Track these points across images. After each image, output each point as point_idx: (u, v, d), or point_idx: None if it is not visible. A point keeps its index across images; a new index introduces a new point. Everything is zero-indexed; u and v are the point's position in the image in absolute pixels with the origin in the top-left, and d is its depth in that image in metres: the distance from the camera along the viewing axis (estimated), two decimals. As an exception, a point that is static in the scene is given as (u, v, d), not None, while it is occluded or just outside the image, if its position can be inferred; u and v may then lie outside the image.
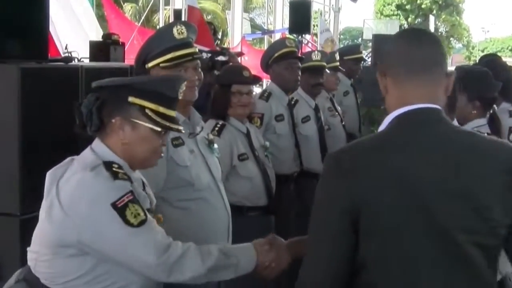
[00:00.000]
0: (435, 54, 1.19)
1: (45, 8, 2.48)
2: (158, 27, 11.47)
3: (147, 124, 1.42)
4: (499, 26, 66.65)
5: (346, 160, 1.14)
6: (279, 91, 3.07)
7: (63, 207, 1.34)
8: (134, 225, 1.34)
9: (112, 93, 1.42)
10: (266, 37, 14.57)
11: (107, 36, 3.19)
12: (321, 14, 14.23)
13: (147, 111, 1.41)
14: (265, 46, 14.11)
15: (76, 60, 2.75)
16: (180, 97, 1.50)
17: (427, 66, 1.18)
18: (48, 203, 1.38)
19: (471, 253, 1.10)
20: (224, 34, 14.71)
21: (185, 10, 6.11)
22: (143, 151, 1.44)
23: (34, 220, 2.19)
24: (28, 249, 1.44)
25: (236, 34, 12.31)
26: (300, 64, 3.10)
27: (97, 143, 1.45)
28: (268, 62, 3.09)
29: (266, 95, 3.04)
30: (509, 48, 32.51)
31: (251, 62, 9.02)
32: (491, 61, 3.03)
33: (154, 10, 12.76)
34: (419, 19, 28.49)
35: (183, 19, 5.84)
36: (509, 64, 3.41)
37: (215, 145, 2.08)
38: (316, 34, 13.79)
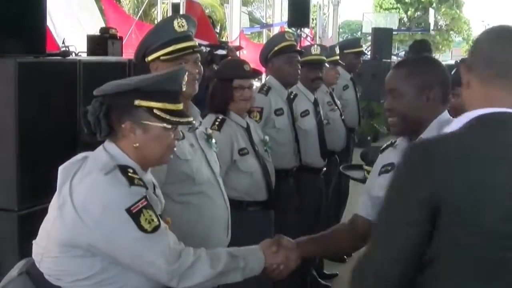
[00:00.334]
0: None
1: (43, 2, 2.45)
2: (156, 21, 11.43)
3: (158, 124, 1.41)
4: (499, 19, 66.54)
5: (437, 152, 1.12)
6: (279, 85, 3.06)
7: (76, 208, 1.33)
8: (148, 231, 1.34)
9: (117, 98, 1.41)
10: (264, 31, 14.53)
11: (104, 30, 3.16)
12: (320, 7, 14.17)
13: (155, 111, 1.40)
14: (264, 40, 14.08)
15: (73, 54, 2.72)
16: (184, 89, 1.50)
17: None
18: (60, 201, 1.37)
19: None
20: (223, 28, 14.66)
21: (183, 3, 6.08)
22: (158, 151, 1.44)
23: (32, 216, 2.20)
24: (34, 242, 1.43)
25: (235, 28, 12.26)
26: (299, 58, 3.08)
27: (109, 144, 1.44)
28: (268, 56, 3.07)
29: (265, 89, 3.03)
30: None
31: (249, 56, 8.99)
32: None
33: (152, 4, 12.69)
34: (418, 12, 28.42)
35: (181, 12, 5.81)
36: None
37: (213, 140, 2.08)
38: (314, 28, 13.73)
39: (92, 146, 1.47)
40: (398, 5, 28.09)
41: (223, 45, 4.95)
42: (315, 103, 3.34)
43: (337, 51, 3.90)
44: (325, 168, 3.39)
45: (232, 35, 11.97)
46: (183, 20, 1.94)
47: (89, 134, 1.43)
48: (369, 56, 8.83)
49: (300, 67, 3.07)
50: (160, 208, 1.49)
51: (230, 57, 4.41)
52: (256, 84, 3.92)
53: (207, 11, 15.36)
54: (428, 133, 1.59)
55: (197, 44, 1.98)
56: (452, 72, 2.41)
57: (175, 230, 1.61)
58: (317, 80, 3.33)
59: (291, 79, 3.06)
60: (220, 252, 1.49)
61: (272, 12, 14.45)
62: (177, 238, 1.47)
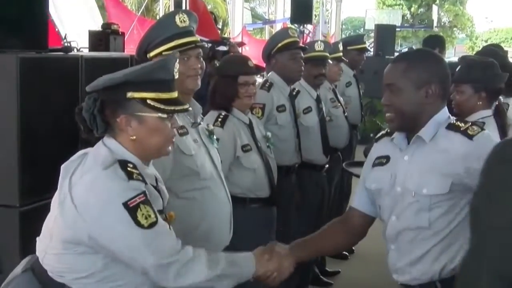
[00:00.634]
0: None
1: (45, -3, 2.44)
2: (158, 16, 11.40)
3: (153, 114, 1.39)
4: (503, 16, 66.21)
5: None
6: (281, 81, 3.04)
7: (76, 205, 1.33)
8: (144, 226, 1.32)
9: (110, 93, 1.39)
10: (267, 27, 14.49)
11: (106, 26, 3.14)
12: (322, 4, 14.12)
13: (149, 101, 1.38)
14: (266, 36, 14.05)
15: (75, 50, 2.71)
16: (176, 76, 1.47)
17: None
18: (61, 197, 1.36)
19: None
20: (225, 24, 14.62)
21: (186, -1, 6.06)
22: (156, 142, 1.42)
23: (34, 212, 2.20)
24: (38, 238, 1.43)
25: (237, 24, 12.23)
26: (302, 54, 3.07)
27: (108, 139, 1.43)
28: (271, 52, 3.05)
29: (267, 86, 3.01)
30: (513, 38, 32.33)
31: (252, 52, 8.96)
32: (492, 51, 2.99)
33: (154, -1, 12.69)
34: (422, 9, 28.30)
35: (183, 8, 5.79)
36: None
37: (215, 136, 2.08)
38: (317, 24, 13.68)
39: (93, 143, 1.45)
40: (401, 1, 27.98)
41: (224, 41, 4.94)
42: (318, 100, 3.32)
43: (341, 47, 3.88)
44: (327, 165, 3.38)
45: (234, 31, 11.95)
46: (185, 15, 1.94)
47: (86, 131, 1.42)
48: (372, 53, 8.79)
49: (303, 63, 3.06)
50: (162, 202, 1.48)
51: (231, 53, 4.40)
52: (258, 80, 3.91)
53: (209, 6, 15.31)
54: (425, 131, 1.57)
55: (198, 39, 1.97)
56: (457, 69, 2.40)
57: (180, 226, 1.61)
58: (320, 77, 3.32)
59: (295, 75, 3.05)
60: (219, 255, 1.49)
61: (275, 8, 14.41)
62: (181, 234, 1.46)
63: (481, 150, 1.48)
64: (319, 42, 3.42)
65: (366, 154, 2.96)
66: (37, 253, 1.42)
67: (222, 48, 4.85)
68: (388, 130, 1.70)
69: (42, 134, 2.30)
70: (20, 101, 2.19)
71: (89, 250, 1.34)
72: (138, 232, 1.32)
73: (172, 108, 1.41)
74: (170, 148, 1.48)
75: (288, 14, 10.68)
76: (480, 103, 2.34)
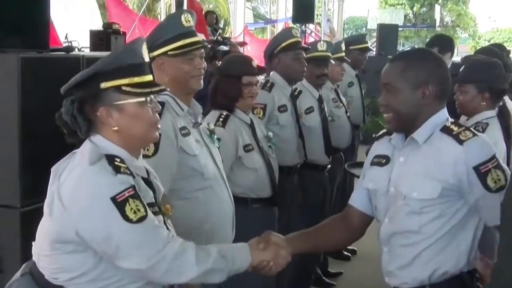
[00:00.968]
0: None
1: (46, -4, 2.43)
2: (159, 16, 11.41)
3: (130, 100, 1.38)
4: (506, 16, 65.95)
5: None
6: (282, 81, 3.03)
7: (63, 202, 1.32)
8: (133, 221, 1.30)
9: (84, 89, 1.39)
10: (268, 26, 14.48)
11: (107, 25, 3.14)
12: (324, 3, 14.11)
13: (123, 88, 1.37)
14: (268, 36, 14.04)
15: (76, 49, 2.70)
16: (146, 60, 1.45)
17: None
18: (50, 199, 1.36)
19: None
20: (226, 23, 14.62)
21: (186, -1, 6.06)
22: (139, 129, 1.41)
23: (35, 212, 2.18)
24: (33, 243, 1.43)
25: (239, 23, 12.23)
26: (305, 55, 3.06)
27: (94, 136, 1.42)
28: (274, 51, 3.04)
29: (269, 86, 3.00)
30: (517, 38, 32.21)
31: (253, 51, 8.96)
32: (489, 50, 2.96)
33: (156, -1, 12.67)
34: (424, 9, 28.24)
35: (184, 8, 5.79)
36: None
37: (216, 136, 2.08)
38: (319, 24, 13.69)
39: (80, 145, 1.45)
40: (404, 1, 27.93)
41: (225, 41, 4.94)
42: (320, 100, 3.31)
43: (343, 47, 3.86)
44: (329, 165, 3.37)
45: (236, 31, 11.94)
46: (189, 15, 1.94)
47: (69, 134, 1.41)
48: (374, 53, 8.77)
49: (306, 64, 3.05)
50: (153, 195, 1.45)
51: (233, 53, 4.39)
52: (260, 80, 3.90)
53: (211, 6, 15.33)
54: (420, 132, 1.54)
55: (201, 39, 1.97)
56: (461, 69, 2.38)
57: (182, 226, 1.59)
58: (322, 77, 3.30)
59: (298, 76, 3.04)
60: (210, 249, 1.45)
61: (276, 7, 14.40)
62: (184, 235, 1.44)
63: (469, 156, 1.47)
64: (321, 42, 3.40)
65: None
66: (33, 257, 1.41)
67: (223, 48, 4.85)
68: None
69: (43, 134, 2.28)
70: (21, 101, 2.19)
71: (78, 248, 1.33)
72: (127, 226, 1.30)
73: (148, 90, 1.40)
74: (156, 133, 1.46)
75: (290, 13, 10.67)
76: (484, 103, 2.32)
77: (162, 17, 10.04)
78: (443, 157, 1.50)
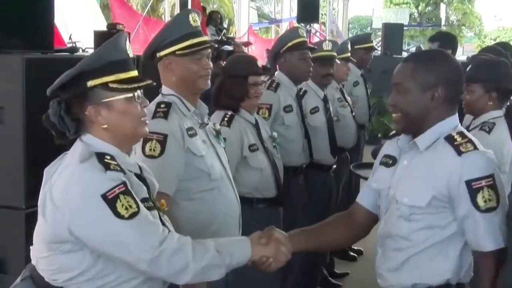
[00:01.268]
0: None
1: (50, -3, 2.44)
2: (163, 16, 11.42)
3: (118, 97, 1.38)
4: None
5: None
6: (288, 81, 3.02)
7: (55, 202, 1.32)
8: (124, 217, 1.29)
9: (70, 89, 1.38)
10: (273, 26, 14.47)
11: (111, 26, 3.14)
12: (329, 3, 14.08)
13: (111, 85, 1.37)
14: (272, 36, 14.02)
15: (81, 50, 2.71)
16: (131, 55, 1.45)
17: None
18: (42, 200, 1.36)
19: None
20: (231, 23, 14.63)
21: (190, -1, 6.07)
22: (128, 125, 1.40)
23: (39, 214, 2.19)
24: (31, 247, 1.42)
25: (243, 23, 12.22)
26: (310, 55, 3.04)
27: (84, 135, 1.42)
28: (279, 51, 3.03)
29: (274, 86, 2.99)
30: (522, 36, 32.02)
31: (258, 51, 8.95)
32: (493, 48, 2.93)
33: (160, -1, 12.70)
34: (429, 8, 28.12)
35: (188, 8, 5.79)
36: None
37: (222, 136, 2.07)
38: (324, 23, 13.67)
39: (69, 147, 1.44)
40: (409, 0, 27.83)
41: (229, 41, 4.93)
42: (325, 100, 3.29)
43: (349, 47, 3.85)
44: (335, 165, 3.35)
45: (240, 31, 11.94)
46: (196, 15, 1.94)
47: (58, 136, 1.40)
48: (379, 52, 8.74)
49: (312, 64, 3.04)
50: (146, 191, 1.43)
51: (237, 53, 4.38)
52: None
53: (215, 6, 15.34)
54: (423, 138, 1.53)
55: (208, 39, 1.97)
56: (468, 68, 2.36)
57: (189, 227, 1.57)
58: (328, 77, 3.29)
59: (304, 76, 3.03)
60: (207, 245, 1.42)
61: (281, 7, 14.38)
62: (191, 236, 1.42)
63: (464, 169, 1.45)
64: (327, 41, 3.39)
65: (374, 155, 2.94)
66: (32, 260, 1.41)
67: (227, 48, 4.84)
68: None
69: (48, 135, 2.28)
70: (25, 102, 2.18)
71: (75, 247, 1.32)
72: (119, 223, 1.29)
73: (136, 85, 1.40)
74: (146, 128, 1.45)
75: (294, 13, 10.66)
76: (491, 103, 2.30)
77: (166, 17, 10.05)
78: (440, 166, 1.48)
